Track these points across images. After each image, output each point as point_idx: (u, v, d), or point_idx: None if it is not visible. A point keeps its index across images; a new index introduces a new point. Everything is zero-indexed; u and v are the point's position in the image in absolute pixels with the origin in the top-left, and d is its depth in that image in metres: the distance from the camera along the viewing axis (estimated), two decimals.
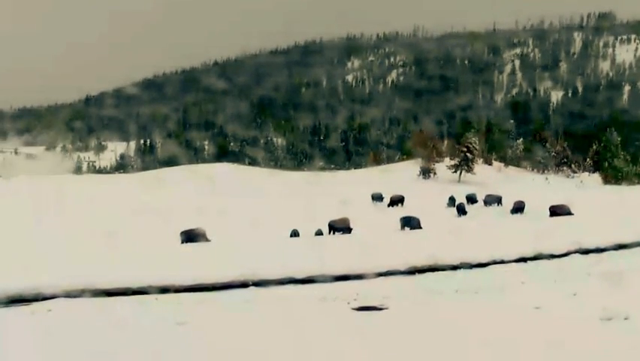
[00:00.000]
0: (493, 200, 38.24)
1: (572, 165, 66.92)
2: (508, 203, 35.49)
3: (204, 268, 14.61)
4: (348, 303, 10.59)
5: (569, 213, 29.35)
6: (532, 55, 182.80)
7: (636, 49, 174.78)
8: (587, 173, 64.67)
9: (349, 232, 26.22)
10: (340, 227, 26.65)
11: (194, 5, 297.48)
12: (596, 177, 61.77)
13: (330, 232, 26.56)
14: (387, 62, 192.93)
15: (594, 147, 68.18)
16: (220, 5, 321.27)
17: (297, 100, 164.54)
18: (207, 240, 23.86)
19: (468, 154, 55.41)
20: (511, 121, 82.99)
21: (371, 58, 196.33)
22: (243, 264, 14.62)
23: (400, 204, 37.93)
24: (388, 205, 38.60)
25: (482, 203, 38.49)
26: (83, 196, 37.66)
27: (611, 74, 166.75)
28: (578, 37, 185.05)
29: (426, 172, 56.61)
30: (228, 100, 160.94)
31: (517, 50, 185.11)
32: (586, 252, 17.14)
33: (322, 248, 19.57)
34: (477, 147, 57.01)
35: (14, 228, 25.35)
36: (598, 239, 18.12)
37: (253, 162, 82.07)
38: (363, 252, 16.65)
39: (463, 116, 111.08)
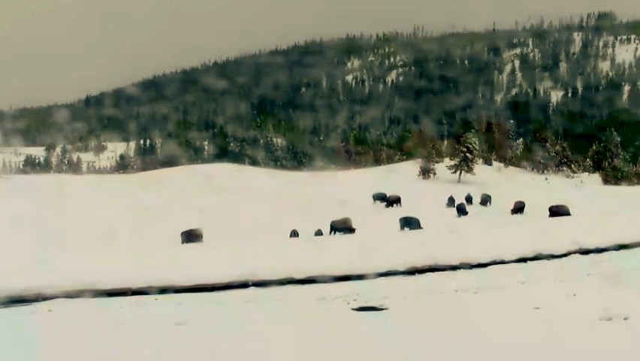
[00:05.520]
0: (485, 199, 38.89)
1: (572, 165, 66.89)
2: (506, 203, 35.50)
3: (204, 269, 14.62)
4: (348, 303, 10.61)
5: (569, 214, 29.36)
6: (532, 55, 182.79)
7: (636, 49, 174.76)
8: (586, 173, 64.67)
9: (351, 232, 26.17)
10: (342, 227, 26.63)
11: (195, 5, 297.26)
12: (596, 177, 61.78)
13: (331, 232, 26.53)
14: (387, 62, 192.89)
15: (594, 147, 68.18)
16: (220, 5, 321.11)
17: (297, 100, 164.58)
18: (207, 240, 23.88)
19: (468, 154, 55.34)
20: (511, 121, 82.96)
21: (371, 58, 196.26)
22: (243, 264, 14.63)
23: (397, 204, 37.95)
24: (386, 206, 38.66)
25: (479, 203, 38.98)
26: (83, 196, 37.66)
27: (610, 74, 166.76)
28: (577, 38, 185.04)
29: (426, 172, 56.60)
30: (228, 100, 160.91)
31: (517, 50, 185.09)
32: (586, 252, 17.15)
33: (322, 248, 19.57)
34: (477, 147, 56.95)
35: (14, 228, 25.34)
36: (598, 239, 18.13)
37: (253, 162, 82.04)
38: (363, 252, 16.65)
39: (463, 116, 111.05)
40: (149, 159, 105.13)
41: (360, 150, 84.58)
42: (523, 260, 16.25)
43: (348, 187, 45.51)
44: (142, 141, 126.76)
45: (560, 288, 11.45)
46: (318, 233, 26.06)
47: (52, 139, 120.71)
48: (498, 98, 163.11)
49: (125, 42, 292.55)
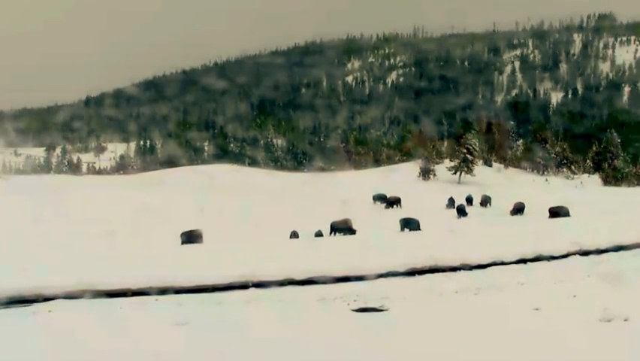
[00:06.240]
0: (485, 199, 39.10)
1: (572, 166, 66.86)
2: (505, 204, 35.50)
3: (204, 269, 14.63)
4: (348, 304, 10.61)
5: (569, 215, 29.36)
6: (532, 56, 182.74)
7: (636, 50, 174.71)
8: (586, 174, 64.60)
9: (351, 233, 26.17)
10: (342, 228, 26.63)
11: (194, 5, 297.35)
12: (596, 178, 61.72)
13: (331, 233, 26.54)
14: (387, 62, 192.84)
15: (594, 147, 68.16)
16: (220, 5, 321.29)
17: (297, 100, 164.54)
18: (207, 241, 23.87)
19: (468, 155, 55.30)
20: (511, 122, 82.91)
21: (371, 58, 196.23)
22: (243, 265, 14.64)
23: (397, 205, 37.96)
24: (386, 206, 38.67)
25: (479, 204, 38.99)
26: (83, 197, 37.64)
27: (610, 75, 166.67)
28: (577, 38, 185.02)
29: (426, 173, 56.58)
30: (228, 100, 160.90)
31: (517, 51, 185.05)
32: (586, 253, 17.16)
33: (322, 249, 19.59)
34: (477, 148, 56.90)
35: (14, 228, 25.35)
36: (598, 240, 18.14)
37: (253, 163, 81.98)
38: (363, 253, 16.65)
39: (463, 116, 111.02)
40: (149, 159, 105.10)
41: (360, 150, 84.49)
42: (523, 261, 16.26)
43: (348, 188, 45.50)
44: (142, 142, 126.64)
45: (560, 289, 11.47)
46: (319, 234, 26.06)
47: (52, 139, 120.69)
48: (498, 98, 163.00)
49: (125, 42, 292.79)
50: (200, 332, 8.56)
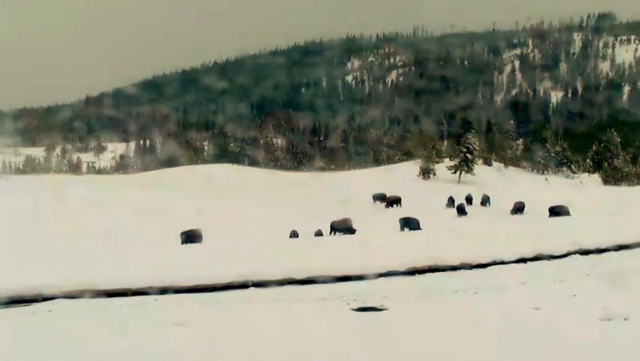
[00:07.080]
0: (485, 199, 39.17)
1: (572, 166, 66.85)
2: (505, 203, 35.50)
3: (204, 269, 14.63)
4: (348, 304, 10.60)
5: (569, 214, 29.36)
6: (531, 55, 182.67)
7: (636, 49, 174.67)
8: (586, 173, 64.60)
9: (351, 233, 26.17)
10: (342, 228, 26.63)
11: (194, 5, 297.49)
12: (596, 177, 61.72)
13: (331, 233, 26.54)
14: (387, 62, 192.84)
15: (594, 147, 68.18)
16: (220, 5, 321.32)
17: (297, 100, 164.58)
18: (207, 240, 23.88)
19: (468, 155, 55.29)
20: (511, 121, 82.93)
21: (371, 58, 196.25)
22: (243, 264, 14.64)
23: (397, 205, 37.96)
24: (386, 206, 38.69)
25: (479, 203, 39.00)
26: (83, 196, 37.64)
27: (610, 74, 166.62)
28: (577, 38, 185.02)
29: (426, 172, 56.57)
30: (228, 100, 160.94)
31: (517, 51, 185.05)
32: (586, 252, 17.15)
33: (322, 249, 19.57)
34: (477, 148, 56.88)
35: (14, 228, 25.34)
36: (598, 240, 18.13)
37: (253, 163, 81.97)
38: (363, 252, 16.64)
39: (463, 116, 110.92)
40: (149, 159, 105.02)
41: (360, 150, 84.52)
42: (523, 260, 16.25)
43: (348, 187, 45.52)
44: (142, 141, 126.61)
45: (560, 288, 11.46)
46: (318, 233, 26.06)
47: (52, 139, 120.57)
48: (498, 98, 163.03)
49: (125, 42, 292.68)
50: (199, 331, 8.55)
